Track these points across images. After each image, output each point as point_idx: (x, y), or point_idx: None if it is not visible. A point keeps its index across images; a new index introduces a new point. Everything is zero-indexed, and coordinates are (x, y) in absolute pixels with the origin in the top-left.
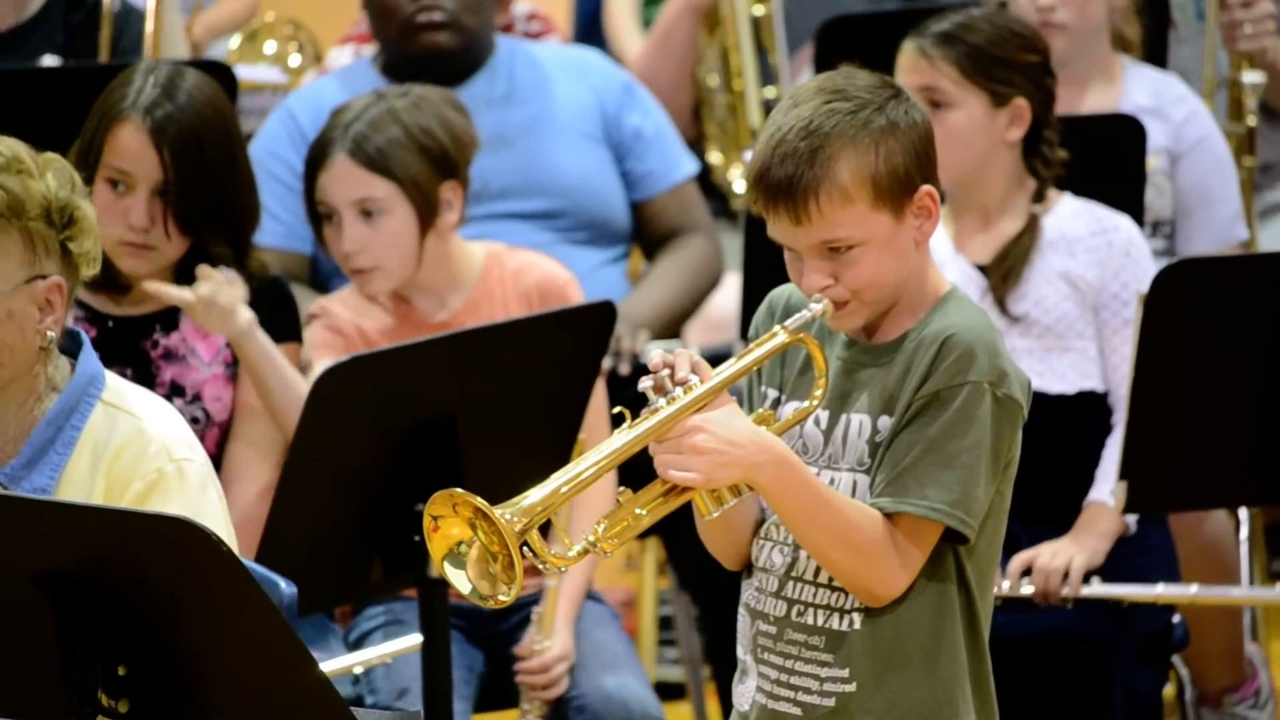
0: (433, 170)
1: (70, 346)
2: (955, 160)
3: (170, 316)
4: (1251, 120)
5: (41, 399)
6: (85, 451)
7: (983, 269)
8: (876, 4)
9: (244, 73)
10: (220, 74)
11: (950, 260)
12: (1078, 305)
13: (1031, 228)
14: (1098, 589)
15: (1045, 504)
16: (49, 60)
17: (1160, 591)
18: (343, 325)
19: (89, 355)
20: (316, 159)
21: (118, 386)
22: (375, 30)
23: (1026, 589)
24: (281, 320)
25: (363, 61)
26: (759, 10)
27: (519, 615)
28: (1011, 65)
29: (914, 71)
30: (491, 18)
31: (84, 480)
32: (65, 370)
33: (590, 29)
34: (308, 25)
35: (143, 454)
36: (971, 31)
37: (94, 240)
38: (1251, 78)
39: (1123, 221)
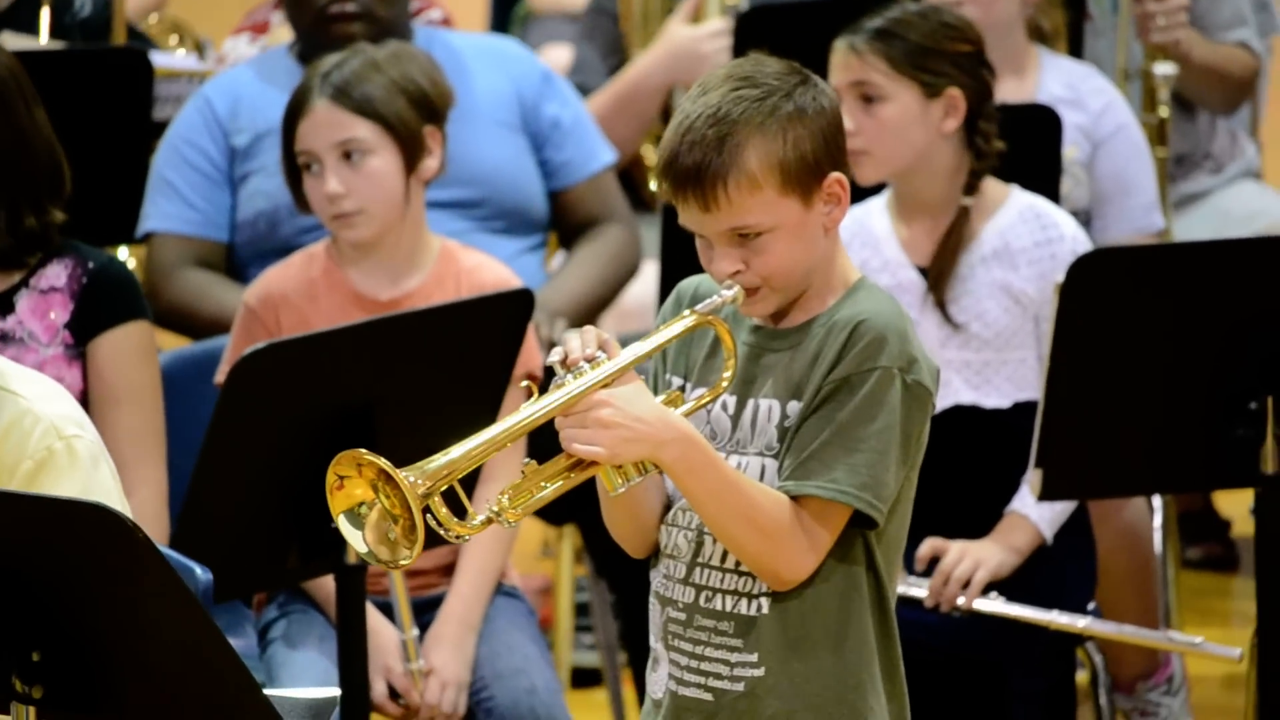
0: (415, 111)
1: None
2: (892, 153)
3: (6, 299)
4: (1164, 111)
5: None
6: None
7: (925, 271)
8: None
9: (160, 60)
10: (136, 60)
11: (898, 265)
12: (1018, 318)
13: (961, 220)
14: (992, 605)
15: (980, 519)
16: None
17: (1054, 617)
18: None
19: None
20: (295, 109)
21: (1, 367)
22: (291, 19)
23: (920, 591)
24: (122, 300)
25: (279, 50)
26: None
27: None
28: (943, 55)
29: (845, 69)
30: (406, 7)
31: None
32: None
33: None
34: (191, 22)
35: (30, 433)
36: (903, 26)
37: None
38: (1164, 69)
39: (1067, 229)
